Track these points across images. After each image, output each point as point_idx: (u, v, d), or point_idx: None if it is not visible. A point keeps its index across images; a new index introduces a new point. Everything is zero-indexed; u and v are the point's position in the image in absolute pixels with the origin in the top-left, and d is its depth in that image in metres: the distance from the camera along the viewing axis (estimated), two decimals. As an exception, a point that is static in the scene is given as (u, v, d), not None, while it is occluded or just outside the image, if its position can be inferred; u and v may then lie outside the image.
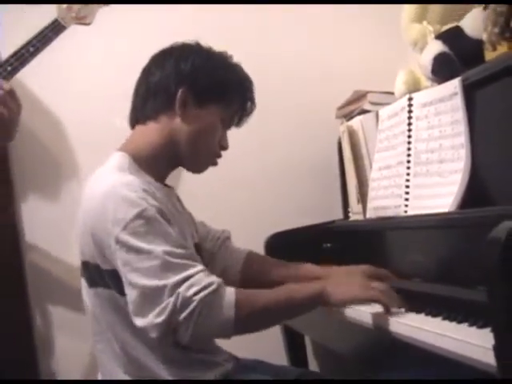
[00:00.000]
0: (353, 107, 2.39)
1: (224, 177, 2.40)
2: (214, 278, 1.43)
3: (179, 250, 1.44)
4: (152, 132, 1.64)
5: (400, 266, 1.82)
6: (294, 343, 2.47)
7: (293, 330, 2.37)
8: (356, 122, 2.24)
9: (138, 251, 1.41)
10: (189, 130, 1.64)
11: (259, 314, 1.49)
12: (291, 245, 2.29)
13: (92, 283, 1.55)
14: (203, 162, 1.72)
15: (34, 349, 2.52)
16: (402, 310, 1.50)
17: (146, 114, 1.66)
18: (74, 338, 2.51)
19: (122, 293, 1.46)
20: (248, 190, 2.66)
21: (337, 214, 2.44)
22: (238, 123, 1.77)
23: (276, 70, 2.68)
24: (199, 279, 1.40)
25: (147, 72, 1.70)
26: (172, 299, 1.36)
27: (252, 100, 1.75)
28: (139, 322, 1.40)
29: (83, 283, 1.61)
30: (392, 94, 2.20)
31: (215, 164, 1.74)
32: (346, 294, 1.52)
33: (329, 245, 2.28)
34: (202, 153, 1.69)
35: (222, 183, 2.54)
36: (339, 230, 2.29)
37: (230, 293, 1.43)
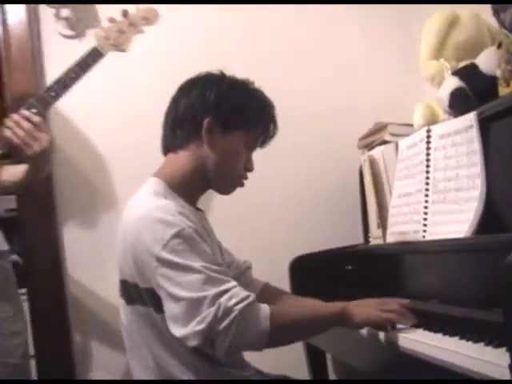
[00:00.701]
0: (374, 138, 2.40)
1: (251, 201, 2.44)
2: (249, 292, 1.46)
3: (215, 266, 1.47)
4: (182, 159, 1.68)
5: (418, 288, 1.83)
6: (315, 359, 2.46)
7: (315, 346, 2.37)
8: (377, 152, 2.26)
9: (178, 267, 1.44)
10: (216, 157, 1.67)
11: (290, 327, 1.53)
12: (315, 267, 2.30)
13: (130, 301, 1.59)
14: (230, 185, 1.75)
15: (72, 362, 2.55)
16: (420, 329, 1.51)
17: (176, 143, 1.69)
18: (109, 352, 2.54)
19: (159, 310, 1.49)
20: (273, 214, 2.67)
21: (357, 239, 2.44)
22: (262, 145, 1.79)
23: (301, 99, 2.70)
24: (237, 292, 1.43)
25: (175, 101, 1.73)
26: (213, 309, 1.39)
27: (274, 123, 1.77)
28: (180, 331, 1.42)
29: (121, 301, 1.65)
30: (411, 125, 2.22)
31: (242, 185, 1.76)
32: (365, 315, 1.55)
33: (350, 267, 2.29)
34: (228, 176, 1.72)
35: (250, 207, 2.57)
36: (360, 254, 2.29)
37: (264, 306, 1.46)
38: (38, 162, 1.98)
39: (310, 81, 2.75)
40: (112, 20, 2.11)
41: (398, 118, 2.35)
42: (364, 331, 1.66)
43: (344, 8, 2.77)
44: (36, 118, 1.90)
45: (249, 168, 1.75)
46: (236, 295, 1.42)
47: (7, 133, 1.89)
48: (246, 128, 1.70)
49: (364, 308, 1.56)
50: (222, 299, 1.40)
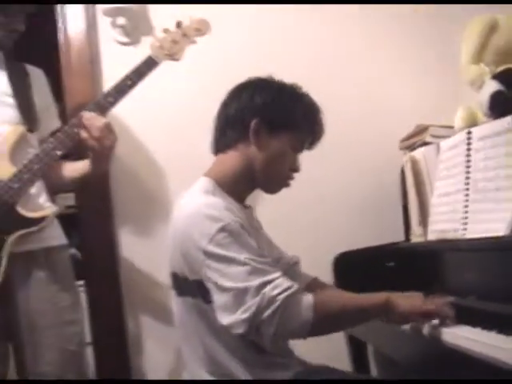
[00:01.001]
0: (415, 139, 2.42)
1: (297, 200, 2.47)
2: (293, 283, 1.50)
3: (260, 258, 1.53)
4: (232, 159, 1.73)
5: (457, 284, 1.86)
6: (357, 351, 2.49)
7: (356, 338, 2.39)
8: (418, 153, 2.28)
9: (224, 260, 1.50)
10: (263, 157, 1.71)
11: (333, 316, 1.56)
12: (357, 263, 2.32)
13: (180, 293, 1.66)
14: (277, 185, 1.79)
15: (126, 350, 2.63)
16: (460, 324, 1.54)
17: (226, 144, 1.74)
18: (161, 342, 2.61)
19: (207, 301, 1.55)
20: (318, 212, 2.69)
21: (398, 237, 2.45)
22: (309, 147, 1.82)
23: (345, 101, 2.71)
24: (281, 282, 1.48)
25: (225, 104, 1.78)
26: (257, 299, 1.44)
27: (320, 127, 1.80)
28: (226, 319, 1.48)
29: (173, 294, 1.72)
30: (452, 128, 2.24)
31: (288, 185, 1.80)
32: (408, 306, 1.57)
33: (392, 264, 2.31)
34: (275, 176, 1.77)
35: (295, 206, 2.59)
36: (402, 251, 2.31)
37: (308, 296, 1.50)
38: (102, 158, 2.10)
39: (354, 83, 2.76)
40: (166, 31, 2.19)
41: (439, 121, 2.36)
42: (411, 326, 1.68)
43: (386, 12, 2.79)
44: (102, 120, 2.02)
45: (295, 169, 1.79)
46: (279, 285, 1.47)
47: (83, 134, 2.01)
48: (292, 130, 1.74)
49: (407, 299, 1.59)
50: (266, 289, 1.45)
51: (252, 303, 1.45)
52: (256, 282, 1.47)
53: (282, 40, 2.76)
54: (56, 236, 2.16)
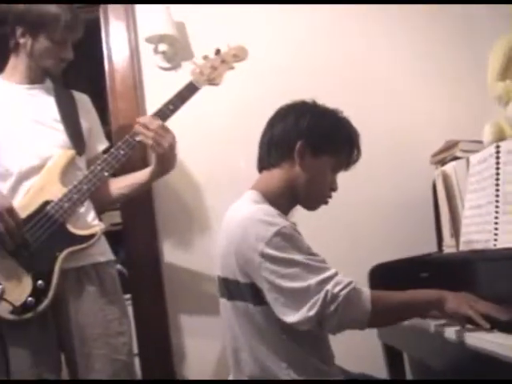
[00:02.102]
0: (446, 154, 2.42)
1: (333, 213, 2.45)
2: (351, 279, 1.55)
3: (316, 257, 1.58)
4: (276, 177, 1.78)
5: (489, 293, 1.84)
6: (393, 359, 2.47)
7: (392, 347, 2.39)
8: (449, 167, 2.28)
9: (281, 261, 1.55)
10: (305, 177, 1.76)
11: (389, 309, 1.61)
12: (392, 274, 2.31)
13: (230, 297, 1.70)
14: (316, 202, 1.85)
15: (171, 361, 2.66)
16: (494, 330, 1.52)
17: (271, 162, 1.80)
18: (204, 350, 2.65)
19: (257, 303, 1.61)
20: (353, 225, 2.71)
21: (431, 248, 2.45)
22: (346, 168, 1.87)
23: (379, 117, 2.74)
24: (341, 278, 1.53)
25: (271, 125, 1.84)
26: (321, 295, 1.50)
27: (358, 150, 1.85)
28: (291, 318, 1.53)
29: (221, 298, 1.77)
30: (481, 142, 2.24)
31: (326, 203, 1.86)
32: (456, 305, 1.59)
33: (426, 274, 2.31)
34: (315, 195, 1.82)
35: (331, 219, 2.59)
36: (435, 261, 2.30)
37: (366, 290, 1.55)
38: (166, 159, 2.18)
39: (385, 98, 2.78)
40: (206, 57, 2.26)
41: (468, 136, 2.36)
42: (445, 333, 1.69)
43: (417, 28, 2.82)
44: (159, 121, 2.10)
45: (333, 188, 1.84)
46: (341, 282, 1.52)
47: (139, 136, 2.09)
48: (333, 153, 1.79)
49: (457, 299, 1.61)
50: (329, 286, 1.50)
51: (316, 300, 1.50)
52: (315, 279, 1.52)
53: (315, 60, 2.80)
54: (104, 252, 2.22)
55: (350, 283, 1.52)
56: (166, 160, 2.22)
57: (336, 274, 1.54)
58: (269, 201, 1.73)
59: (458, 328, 1.61)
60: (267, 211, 1.64)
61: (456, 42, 2.80)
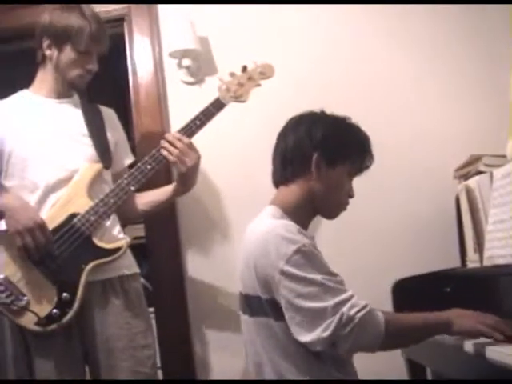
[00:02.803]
0: (469, 169, 2.42)
1: (356, 228, 2.51)
2: (366, 302, 1.57)
3: (334, 277, 1.60)
4: (293, 191, 1.80)
5: (513, 309, 1.87)
6: (416, 374, 2.46)
7: (415, 361, 2.38)
8: (473, 182, 2.29)
9: (300, 280, 1.57)
10: (323, 188, 1.78)
11: (400, 333, 1.64)
12: (416, 289, 2.33)
13: (252, 313, 1.72)
14: (336, 211, 1.86)
15: (194, 374, 2.70)
16: None
17: (287, 177, 1.81)
18: (226, 364, 2.67)
19: (278, 319, 1.62)
20: (376, 240, 2.71)
21: (454, 263, 2.46)
22: (360, 173, 1.88)
23: (403, 132, 2.76)
24: (357, 301, 1.55)
25: (282, 139, 1.85)
26: (337, 317, 1.52)
27: (371, 155, 1.86)
28: (306, 337, 1.55)
29: (242, 315, 1.79)
30: (504, 157, 2.25)
31: (345, 209, 1.87)
32: (463, 325, 1.63)
33: (449, 289, 2.32)
34: (334, 204, 1.84)
35: (355, 234, 2.64)
36: (459, 276, 2.31)
37: (379, 313, 1.57)
38: (187, 178, 2.23)
39: (409, 113, 2.79)
40: (232, 74, 2.29)
41: (492, 150, 2.37)
42: (467, 347, 1.70)
43: (439, 42, 2.82)
44: (186, 139, 2.14)
45: (351, 195, 1.86)
46: (356, 305, 1.54)
47: (164, 152, 2.11)
48: (348, 161, 1.81)
49: (463, 318, 1.65)
50: (344, 308, 1.52)
51: (330, 321, 1.52)
52: (332, 301, 1.54)
53: (337, 74, 2.83)
54: (129, 265, 2.26)
55: (365, 306, 1.55)
56: (188, 178, 2.27)
57: (352, 297, 1.57)
58: (288, 215, 1.75)
59: (478, 341, 1.64)
60: (288, 227, 1.66)
61: (481, 58, 2.81)
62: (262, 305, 1.66)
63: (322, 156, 1.77)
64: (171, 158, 2.18)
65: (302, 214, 1.80)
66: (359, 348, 1.59)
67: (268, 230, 1.67)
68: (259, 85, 2.34)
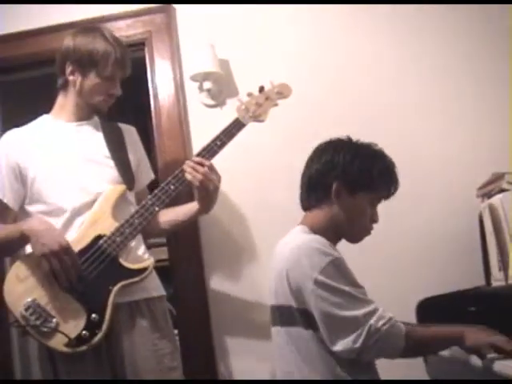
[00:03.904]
0: (492, 187, 2.43)
1: (380, 247, 2.54)
2: (391, 314, 1.69)
3: (360, 289, 1.72)
4: (317, 217, 1.92)
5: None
6: None
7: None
8: (496, 200, 2.31)
9: (332, 290, 1.69)
10: (345, 215, 1.90)
11: (419, 344, 1.76)
12: (440, 308, 2.34)
13: (283, 323, 1.82)
14: (359, 236, 1.98)
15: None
16: None
17: (311, 203, 1.94)
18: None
19: (307, 327, 1.74)
20: (400, 259, 2.74)
21: (478, 282, 2.48)
22: (386, 199, 1.98)
23: (424, 150, 2.80)
24: (383, 313, 1.68)
25: (308, 166, 1.97)
26: (366, 328, 1.64)
27: (396, 182, 1.95)
28: (338, 346, 1.68)
29: (273, 328, 1.89)
30: (527, 174, 2.30)
31: (369, 234, 1.97)
32: (474, 340, 1.72)
33: (473, 308, 2.33)
34: (357, 230, 1.96)
35: (378, 253, 2.67)
36: (483, 295, 2.32)
37: (401, 325, 1.69)
38: (209, 200, 2.27)
39: (432, 130, 2.83)
40: (250, 95, 2.35)
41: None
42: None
43: (461, 56, 2.87)
44: (208, 162, 2.19)
45: (375, 220, 1.96)
46: (383, 317, 1.67)
47: (188, 176, 2.17)
48: (370, 188, 1.91)
49: (476, 334, 1.74)
50: (372, 321, 1.65)
51: (360, 332, 1.65)
52: (361, 311, 1.67)
53: (357, 94, 2.88)
54: (156, 287, 2.31)
55: (390, 319, 1.68)
56: (209, 200, 2.31)
57: (378, 309, 1.69)
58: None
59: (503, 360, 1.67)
60: (321, 241, 1.78)
61: (502, 73, 2.83)
62: (294, 315, 1.76)
63: (342, 184, 1.87)
64: (196, 182, 2.22)
65: (328, 236, 1.88)
66: (381, 357, 1.73)
67: (302, 243, 1.78)
68: (277, 104, 2.40)
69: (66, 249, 2.07)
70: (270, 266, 1.91)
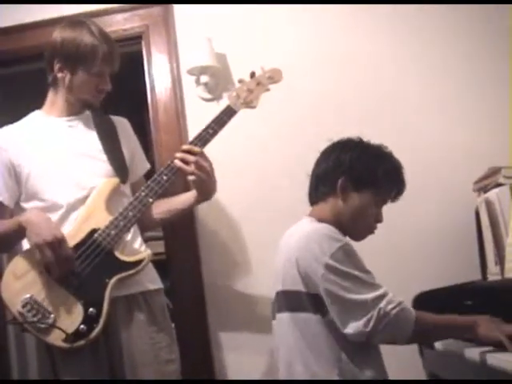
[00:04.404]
0: (489, 181, 2.44)
1: (376, 242, 2.53)
2: (400, 298, 1.73)
3: (371, 275, 1.77)
4: (323, 211, 1.97)
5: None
6: None
7: (437, 375, 2.39)
8: (492, 195, 2.32)
9: (342, 274, 1.74)
10: (349, 211, 1.95)
11: (428, 330, 1.81)
12: (436, 302, 2.32)
13: (290, 308, 1.85)
14: (362, 234, 2.02)
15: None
16: None
17: (318, 197, 2.00)
18: (248, 373, 2.71)
19: (316, 312, 1.78)
20: (395, 254, 2.75)
21: (474, 276, 2.49)
22: (393, 200, 2.03)
23: (421, 145, 2.81)
24: (392, 297, 1.73)
25: (318, 163, 2.03)
26: (375, 312, 1.69)
27: (402, 184, 2.01)
28: (349, 329, 1.73)
29: (277, 314, 1.92)
30: (524, 168, 2.31)
31: (372, 233, 2.02)
32: (485, 331, 1.74)
33: (469, 302, 2.34)
34: (360, 227, 2.00)
35: (374, 248, 2.53)
36: (480, 289, 2.33)
37: (412, 310, 1.74)
38: (205, 187, 2.29)
39: (429, 126, 2.84)
40: (241, 81, 2.36)
41: (511, 162, 2.44)
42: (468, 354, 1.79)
43: (459, 54, 2.88)
44: (198, 149, 2.21)
45: (379, 220, 2.01)
46: (392, 301, 1.72)
47: (178, 163, 2.18)
48: (375, 188, 1.96)
49: (488, 325, 1.76)
50: (382, 304, 1.70)
51: (370, 316, 1.70)
52: (370, 295, 1.72)
53: (357, 93, 2.88)
54: (153, 280, 2.32)
55: (400, 303, 1.72)
56: (205, 187, 2.32)
57: (387, 293, 1.73)
58: None
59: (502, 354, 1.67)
60: (330, 228, 1.84)
61: (500, 69, 2.85)
62: (303, 299, 1.81)
63: (348, 179, 1.93)
64: (187, 170, 2.23)
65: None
66: (388, 341, 1.76)
67: (312, 230, 1.85)
68: (268, 89, 2.41)
69: (60, 240, 2.06)
70: (277, 256, 1.96)
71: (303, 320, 1.81)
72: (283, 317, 1.88)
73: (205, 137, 2.29)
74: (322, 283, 1.76)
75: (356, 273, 1.75)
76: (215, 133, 2.30)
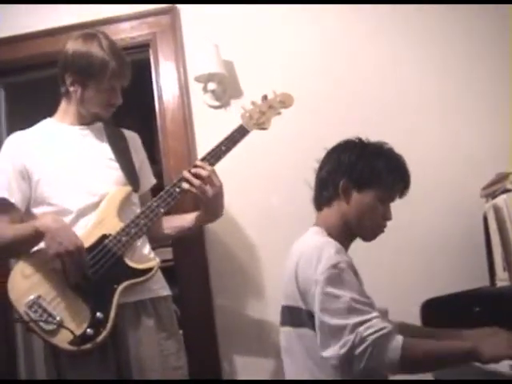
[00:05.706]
0: (496, 187, 2.45)
1: (384, 247, 2.53)
2: (387, 324, 1.66)
3: (362, 298, 1.70)
4: (329, 216, 1.96)
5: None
6: None
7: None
8: (500, 200, 2.33)
9: (329, 295, 1.70)
10: (354, 212, 1.93)
11: (421, 359, 1.70)
12: (444, 309, 2.36)
13: (293, 324, 1.85)
14: (372, 234, 2.00)
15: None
16: None
17: (322, 203, 1.98)
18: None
19: (314, 329, 1.74)
20: (404, 260, 2.76)
21: (482, 282, 2.48)
22: (400, 196, 2.01)
23: (429, 151, 2.81)
24: (376, 323, 1.65)
25: (319, 169, 2.02)
26: (352, 337, 1.62)
27: (405, 180, 1.98)
28: (325, 352, 1.68)
29: (282, 327, 1.91)
30: (531, 174, 2.31)
31: (382, 232, 2.00)
32: (494, 351, 1.68)
33: (478, 309, 2.34)
34: (368, 227, 1.97)
35: (382, 253, 2.66)
36: (488, 296, 2.34)
37: (398, 337, 1.65)
38: (212, 207, 2.31)
39: (438, 131, 2.85)
40: (254, 103, 2.40)
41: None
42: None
43: (454, 61, 2.89)
44: (209, 167, 2.23)
45: (387, 217, 1.98)
46: (373, 326, 1.64)
47: (185, 185, 2.22)
48: (378, 185, 1.93)
49: (493, 343, 1.70)
50: (361, 328, 1.63)
51: (347, 340, 1.63)
52: (352, 320, 1.65)
53: (358, 94, 2.90)
54: (161, 287, 2.34)
55: (381, 329, 1.64)
56: (211, 208, 2.35)
57: (373, 318, 1.66)
58: (331, 236, 1.89)
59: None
60: (329, 243, 1.81)
61: (500, 69, 2.85)
62: (302, 316, 1.79)
63: (349, 181, 1.91)
64: (192, 189, 2.26)
65: (342, 235, 1.93)
66: (374, 369, 1.66)
67: (313, 246, 1.82)
68: (280, 113, 2.46)
69: (80, 249, 2.09)
70: (285, 268, 1.93)
71: (305, 336, 1.79)
72: (287, 331, 1.89)
73: (217, 153, 2.32)
74: (314, 302, 1.72)
75: (345, 295, 1.68)
76: (228, 150, 2.33)
